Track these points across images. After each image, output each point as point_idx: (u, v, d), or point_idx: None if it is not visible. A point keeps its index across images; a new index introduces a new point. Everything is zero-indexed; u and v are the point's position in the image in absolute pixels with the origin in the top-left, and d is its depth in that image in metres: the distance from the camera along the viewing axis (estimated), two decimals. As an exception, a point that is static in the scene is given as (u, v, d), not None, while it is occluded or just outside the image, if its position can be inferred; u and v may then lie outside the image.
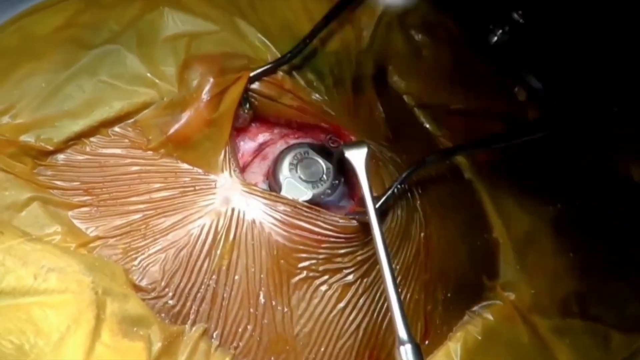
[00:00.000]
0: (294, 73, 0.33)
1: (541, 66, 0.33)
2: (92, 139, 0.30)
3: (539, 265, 0.30)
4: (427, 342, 0.29)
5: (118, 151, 0.30)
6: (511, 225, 0.30)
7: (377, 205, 0.28)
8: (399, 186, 0.29)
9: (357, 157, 0.28)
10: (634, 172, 0.30)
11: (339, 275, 0.29)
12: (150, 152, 0.30)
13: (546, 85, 0.32)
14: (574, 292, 0.30)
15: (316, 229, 0.29)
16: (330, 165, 0.31)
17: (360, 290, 0.29)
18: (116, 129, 0.30)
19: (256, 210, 0.29)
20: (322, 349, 0.28)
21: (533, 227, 0.30)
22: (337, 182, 0.32)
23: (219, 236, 0.29)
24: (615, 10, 0.31)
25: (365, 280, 0.29)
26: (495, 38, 0.33)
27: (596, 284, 0.30)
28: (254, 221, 0.29)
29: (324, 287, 0.29)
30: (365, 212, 0.28)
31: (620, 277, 0.29)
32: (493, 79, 0.33)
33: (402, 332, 0.24)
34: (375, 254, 0.29)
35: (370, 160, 0.30)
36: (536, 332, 0.29)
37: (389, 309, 0.29)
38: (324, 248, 0.29)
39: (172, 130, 0.30)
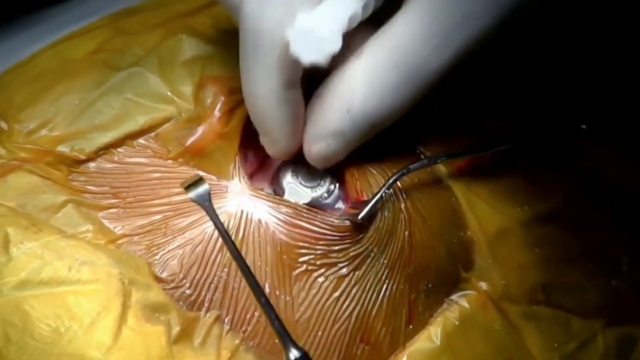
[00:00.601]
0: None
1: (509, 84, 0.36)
2: (119, 149, 0.33)
3: (509, 259, 0.33)
4: (411, 326, 0.32)
5: (142, 160, 0.33)
6: (484, 224, 0.33)
7: (367, 208, 0.32)
8: (386, 191, 0.32)
9: (201, 195, 0.31)
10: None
11: (334, 269, 0.32)
12: (170, 161, 0.33)
13: (514, 99, 0.36)
14: (540, 282, 0.33)
15: (314, 228, 0.32)
16: (327, 172, 0.35)
17: (352, 282, 0.32)
18: (140, 140, 0.33)
19: (262, 212, 0.32)
20: (320, 333, 0.31)
21: (503, 226, 0.33)
22: (332, 187, 0.35)
23: (230, 234, 0.32)
24: (584, 26, 0.35)
25: (357, 272, 0.32)
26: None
27: (558, 275, 0.33)
28: (260, 221, 0.32)
29: (321, 279, 0.32)
30: (358, 214, 0.32)
31: (578, 268, 0.33)
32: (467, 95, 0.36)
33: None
34: (365, 250, 0.33)
35: (359, 168, 0.34)
36: (507, 318, 0.33)
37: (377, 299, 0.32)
38: (321, 245, 0.32)
39: (189, 142, 0.33)
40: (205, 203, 0.31)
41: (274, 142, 0.32)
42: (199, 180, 0.32)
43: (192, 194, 0.31)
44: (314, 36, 0.25)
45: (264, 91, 0.28)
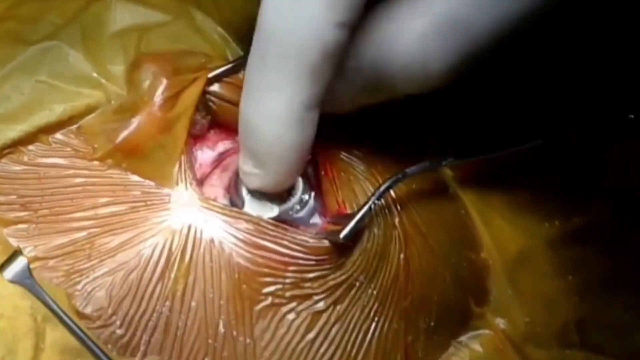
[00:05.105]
0: (258, 73, 0.37)
1: (537, 65, 0.37)
2: (30, 147, 0.33)
3: (534, 290, 0.34)
4: (407, 376, 0.33)
5: (60, 161, 0.34)
6: (502, 244, 0.34)
7: (351, 224, 0.32)
8: (376, 201, 0.33)
9: (19, 275, 0.31)
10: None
11: (308, 302, 0.33)
12: (96, 163, 0.34)
13: (542, 87, 0.37)
14: (573, 319, 0.34)
15: (283, 250, 0.33)
16: (299, 178, 0.35)
17: (332, 319, 0.33)
18: (57, 135, 0.34)
19: (215, 228, 0.33)
20: (289, 386, 0.32)
21: (526, 247, 0.34)
22: (306, 196, 0.35)
23: (174, 257, 0.32)
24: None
25: (337, 307, 0.33)
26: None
27: (597, 310, 0.34)
28: (212, 241, 0.33)
29: (291, 316, 0.33)
30: (340, 231, 0.33)
31: (623, 301, 0.34)
32: (482, 80, 0.37)
33: None
34: (348, 278, 0.33)
35: (340, 173, 0.34)
36: (531, 366, 0.34)
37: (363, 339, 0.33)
38: (291, 271, 0.33)
39: (120, 138, 0.33)
40: (26, 281, 0.31)
41: (269, 175, 0.32)
42: (12, 256, 0.32)
43: (9, 274, 0.31)
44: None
45: (283, 111, 0.29)
